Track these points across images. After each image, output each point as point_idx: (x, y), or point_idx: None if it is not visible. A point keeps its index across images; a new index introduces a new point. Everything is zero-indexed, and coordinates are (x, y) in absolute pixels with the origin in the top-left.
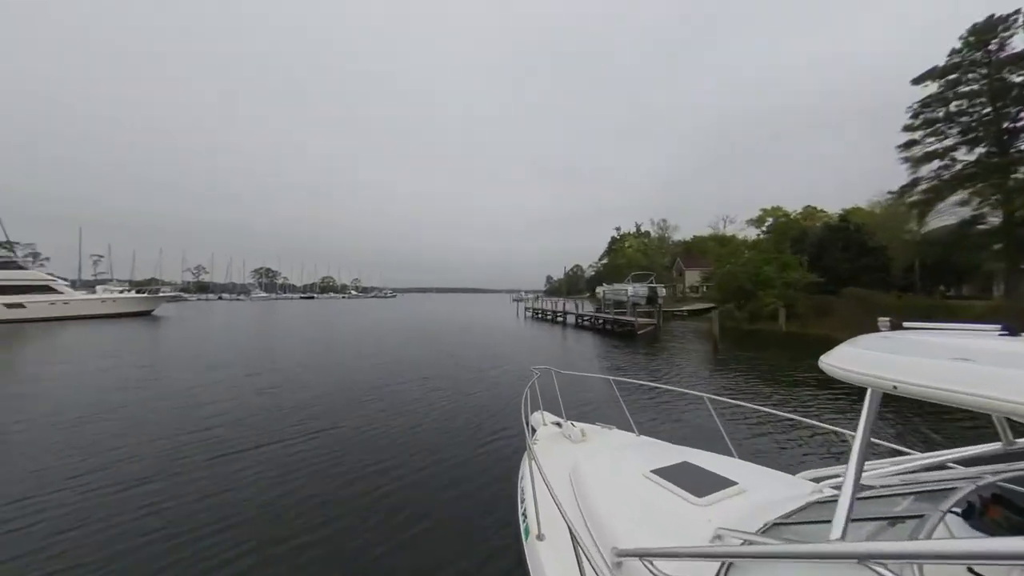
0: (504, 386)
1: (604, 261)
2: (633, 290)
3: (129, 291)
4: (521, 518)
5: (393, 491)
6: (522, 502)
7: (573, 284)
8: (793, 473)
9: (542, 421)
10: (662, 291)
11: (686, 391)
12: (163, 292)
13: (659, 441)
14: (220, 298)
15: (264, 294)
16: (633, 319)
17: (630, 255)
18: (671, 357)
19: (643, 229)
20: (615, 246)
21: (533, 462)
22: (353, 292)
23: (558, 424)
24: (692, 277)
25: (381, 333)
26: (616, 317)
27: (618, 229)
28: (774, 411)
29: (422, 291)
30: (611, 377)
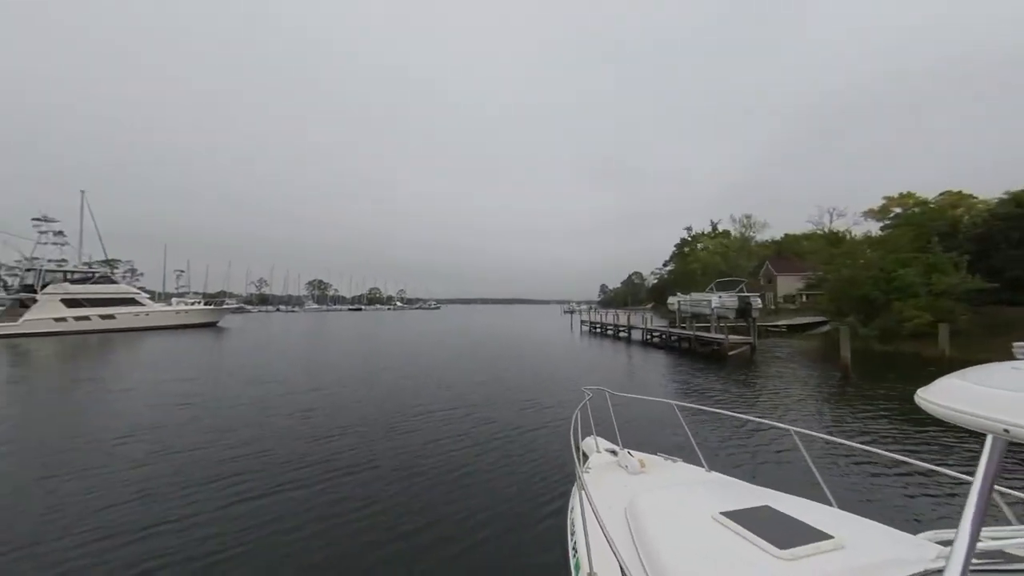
0: (557, 407)
1: (670, 267)
2: (719, 300)
3: (199, 303)
4: (571, 553)
5: (434, 522)
6: (572, 535)
7: (633, 294)
8: (914, 532)
9: (595, 448)
10: (757, 302)
11: (772, 423)
12: (228, 304)
13: (734, 479)
14: (278, 310)
15: (316, 306)
16: (721, 337)
17: (704, 258)
18: (779, 388)
19: (720, 228)
20: (685, 248)
21: (583, 493)
22: (398, 304)
23: (613, 452)
24: (786, 284)
25: (425, 348)
26: (699, 334)
27: (688, 229)
28: (892, 454)
29: (466, 302)
30: (675, 402)
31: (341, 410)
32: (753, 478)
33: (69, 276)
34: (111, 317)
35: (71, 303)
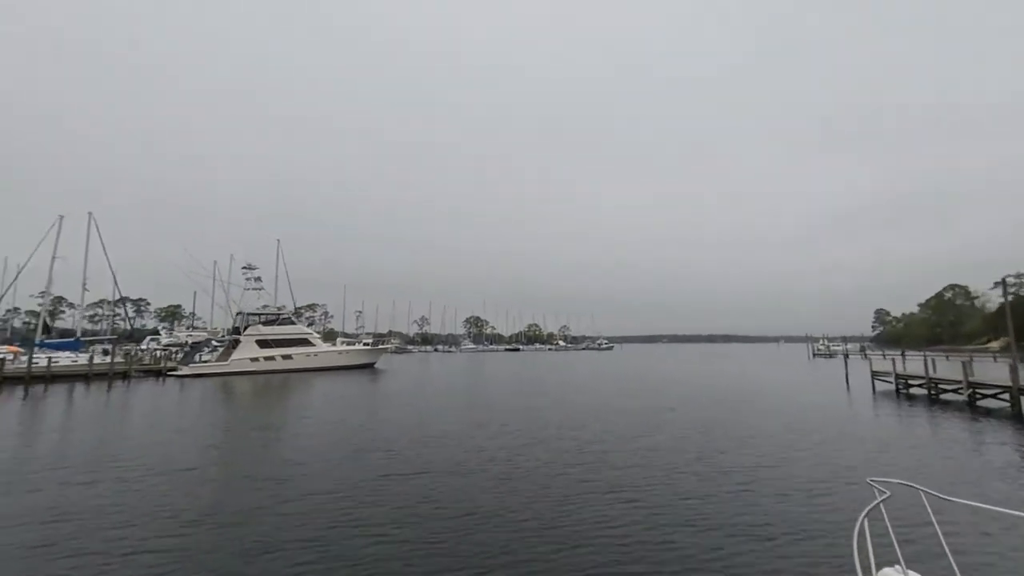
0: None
1: None
2: None
3: (360, 343)
4: None
5: None
6: None
7: (952, 324)
8: None
9: None
10: None
11: None
12: (388, 345)
13: None
14: (435, 350)
15: (472, 346)
16: None
17: None
18: None
19: None
20: None
21: None
22: (561, 343)
23: None
24: None
25: (596, 405)
26: None
27: None
28: None
29: (648, 340)
30: None
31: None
32: None
33: (262, 319)
34: (289, 358)
35: (262, 344)
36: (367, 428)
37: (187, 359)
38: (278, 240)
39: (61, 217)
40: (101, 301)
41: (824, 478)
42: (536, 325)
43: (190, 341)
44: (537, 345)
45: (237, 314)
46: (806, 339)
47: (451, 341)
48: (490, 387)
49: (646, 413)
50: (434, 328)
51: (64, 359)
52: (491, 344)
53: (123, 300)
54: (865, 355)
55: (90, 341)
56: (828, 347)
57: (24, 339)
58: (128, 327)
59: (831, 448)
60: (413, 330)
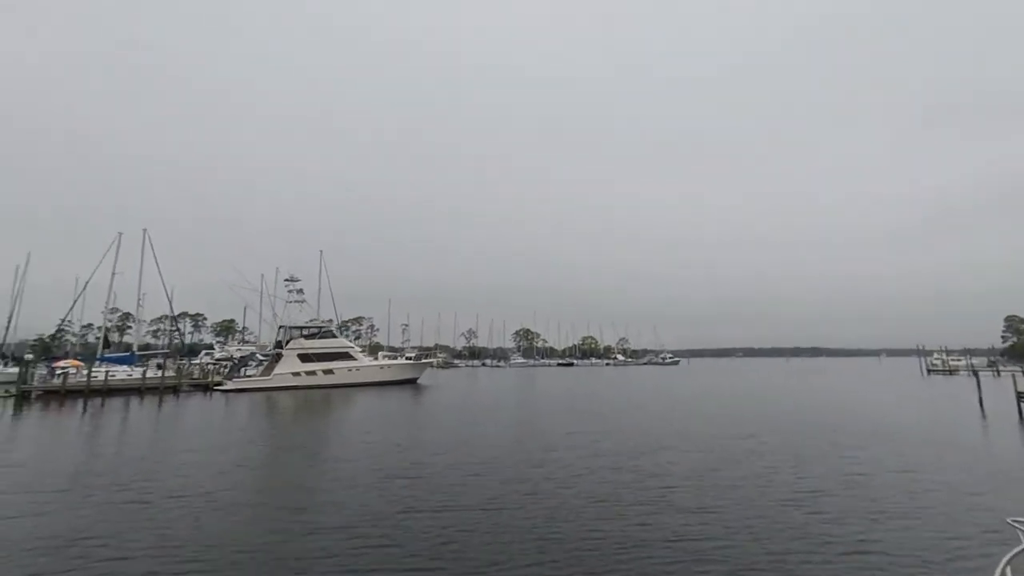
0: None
1: None
2: None
3: (403, 358)
4: None
5: None
6: None
7: None
8: None
9: None
10: None
11: None
12: (432, 359)
13: None
14: (483, 364)
15: (522, 360)
16: None
17: None
18: None
19: None
20: None
21: None
22: (619, 357)
23: None
24: None
25: (660, 430)
26: None
27: None
28: None
29: (721, 354)
30: None
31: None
32: None
33: (304, 332)
34: (331, 372)
35: (304, 358)
36: (401, 451)
37: (232, 373)
38: (320, 252)
39: (120, 234)
40: (162, 316)
41: (959, 520)
42: (592, 338)
43: (237, 356)
44: (593, 360)
45: (280, 327)
46: (917, 352)
47: (499, 355)
48: (539, 406)
49: (722, 441)
50: (482, 341)
51: (121, 373)
52: (542, 358)
53: (181, 315)
54: (997, 371)
55: (145, 355)
56: (946, 362)
57: (87, 353)
58: (182, 342)
59: (967, 489)
60: (460, 343)
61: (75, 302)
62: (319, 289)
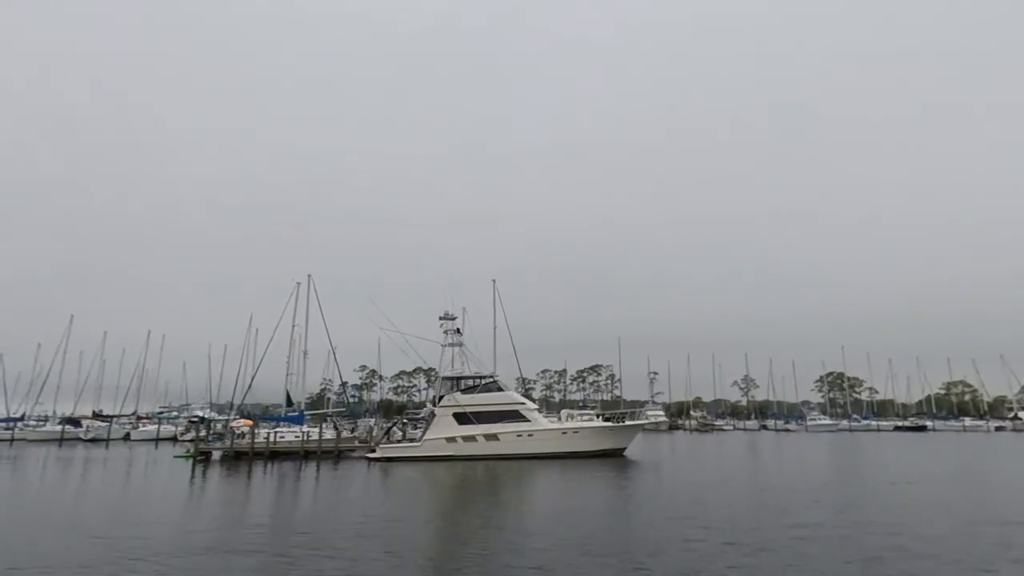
0: None
1: None
2: None
3: (602, 416)
4: None
5: None
6: None
7: None
8: None
9: None
10: None
11: None
12: (643, 420)
13: None
14: (763, 427)
15: (826, 420)
16: None
17: None
18: None
19: None
20: None
21: None
22: (1022, 416)
23: None
24: None
25: None
26: None
27: None
28: None
29: None
30: None
31: None
32: None
33: (459, 385)
34: (495, 438)
35: (460, 419)
36: None
37: (383, 437)
38: (493, 281)
39: (298, 284)
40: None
41: None
42: (965, 383)
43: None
44: (966, 420)
45: (438, 379)
46: None
47: (791, 412)
48: (855, 529)
49: None
50: (763, 392)
51: (289, 435)
52: (869, 417)
53: (347, 375)
54: None
55: (314, 415)
56: None
57: (261, 414)
58: (346, 400)
59: None
60: (735, 395)
61: (263, 355)
62: (494, 327)
